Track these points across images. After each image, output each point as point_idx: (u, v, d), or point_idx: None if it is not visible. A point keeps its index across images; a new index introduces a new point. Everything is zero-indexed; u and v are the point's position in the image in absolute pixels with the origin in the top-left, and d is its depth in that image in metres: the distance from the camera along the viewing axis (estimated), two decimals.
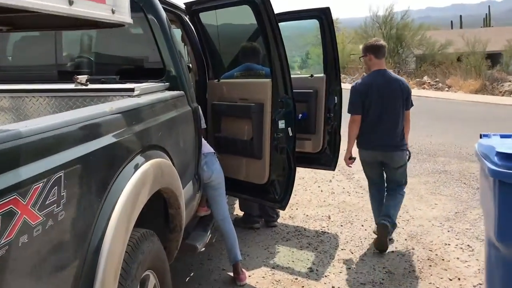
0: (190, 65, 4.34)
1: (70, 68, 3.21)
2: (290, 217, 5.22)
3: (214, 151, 3.59)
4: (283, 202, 3.70)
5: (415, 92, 23.69)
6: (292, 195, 6.14)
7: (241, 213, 5.05)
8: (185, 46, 4.35)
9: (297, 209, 5.52)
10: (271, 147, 3.64)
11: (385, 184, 4.45)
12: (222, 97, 4.02)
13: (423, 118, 11.92)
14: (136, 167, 2.02)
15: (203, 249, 4.21)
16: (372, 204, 4.58)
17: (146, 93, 2.63)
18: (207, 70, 4.21)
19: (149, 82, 2.98)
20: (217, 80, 4.12)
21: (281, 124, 3.60)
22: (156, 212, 2.67)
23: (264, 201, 3.86)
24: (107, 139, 1.83)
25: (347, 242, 4.51)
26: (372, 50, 4.28)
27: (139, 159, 2.08)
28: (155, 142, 2.34)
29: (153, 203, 2.46)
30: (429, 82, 25.90)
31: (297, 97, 4.43)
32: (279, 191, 3.72)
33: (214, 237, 4.50)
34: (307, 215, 5.29)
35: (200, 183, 3.37)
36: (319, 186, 6.51)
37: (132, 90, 2.52)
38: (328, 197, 6.02)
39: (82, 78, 2.71)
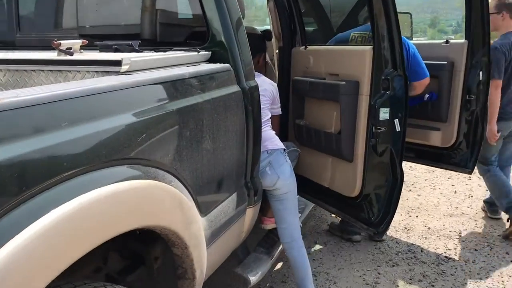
0: (270, 28, 3.32)
1: (86, 30, 2.40)
2: (405, 228, 3.99)
3: (284, 147, 2.57)
4: (380, 227, 2.55)
5: None
6: (415, 194, 4.88)
7: (338, 218, 3.98)
8: (268, 2, 3.31)
9: (417, 216, 4.25)
10: (366, 147, 2.50)
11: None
12: (308, 70, 2.93)
13: None
14: (50, 203, 1.11)
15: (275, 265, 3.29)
16: (504, 186, 3.79)
17: (145, 68, 1.70)
18: (294, 33, 3.14)
19: (174, 51, 2.06)
20: (303, 47, 3.03)
21: (384, 114, 2.43)
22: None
23: (353, 220, 2.74)
24: None
25: (480, 279, 3.18)
26: (510, 8, 3.59)
27: (65, 188, 1.17)
28: (130, 154, 1.40)
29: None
30: None
31: None
32: (376, 211, 2.58)
33: None
34: (429, 228, 4.00)
35: (257, 191, 2.38)
36: (453, 185, 5.07)
37: (118, 63, 1.60)
38: (463, 201, 4.59)
39: (73, 44, 1.87)
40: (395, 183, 2.52)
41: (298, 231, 2.63)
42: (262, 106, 2.51)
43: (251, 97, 2.22)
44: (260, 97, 2.52)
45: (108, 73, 1.66)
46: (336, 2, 3.68)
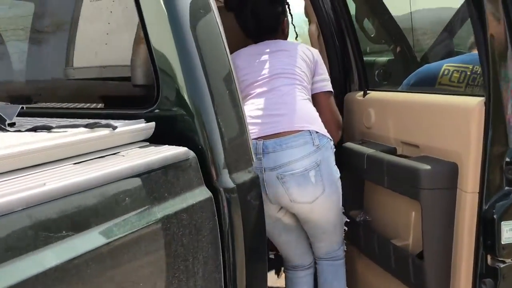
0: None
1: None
2: None
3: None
4: None
5: None
6: None
7: None
8: (310, 25, 2.22)
9: None
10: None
11: None
12: (369, 131, 1.79)
13: None
14: None
15: None
16: None
17: None
18: (348, 72, 2.04)
19: (54, 132, 1.03)
20: (362, 92, 1.89)
21: (510, 232, 1.22)
22: None
23: None
24: None
25: None
26: None
27: None
28: None
29: None
30: None
31: None
32: None
33: None
34: None
35: None
36: None
37: None
38: None
39: None
40: None
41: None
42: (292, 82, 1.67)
43: (242, 204, 1.15)
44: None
45: None
46: (426, 15, 2.48)
